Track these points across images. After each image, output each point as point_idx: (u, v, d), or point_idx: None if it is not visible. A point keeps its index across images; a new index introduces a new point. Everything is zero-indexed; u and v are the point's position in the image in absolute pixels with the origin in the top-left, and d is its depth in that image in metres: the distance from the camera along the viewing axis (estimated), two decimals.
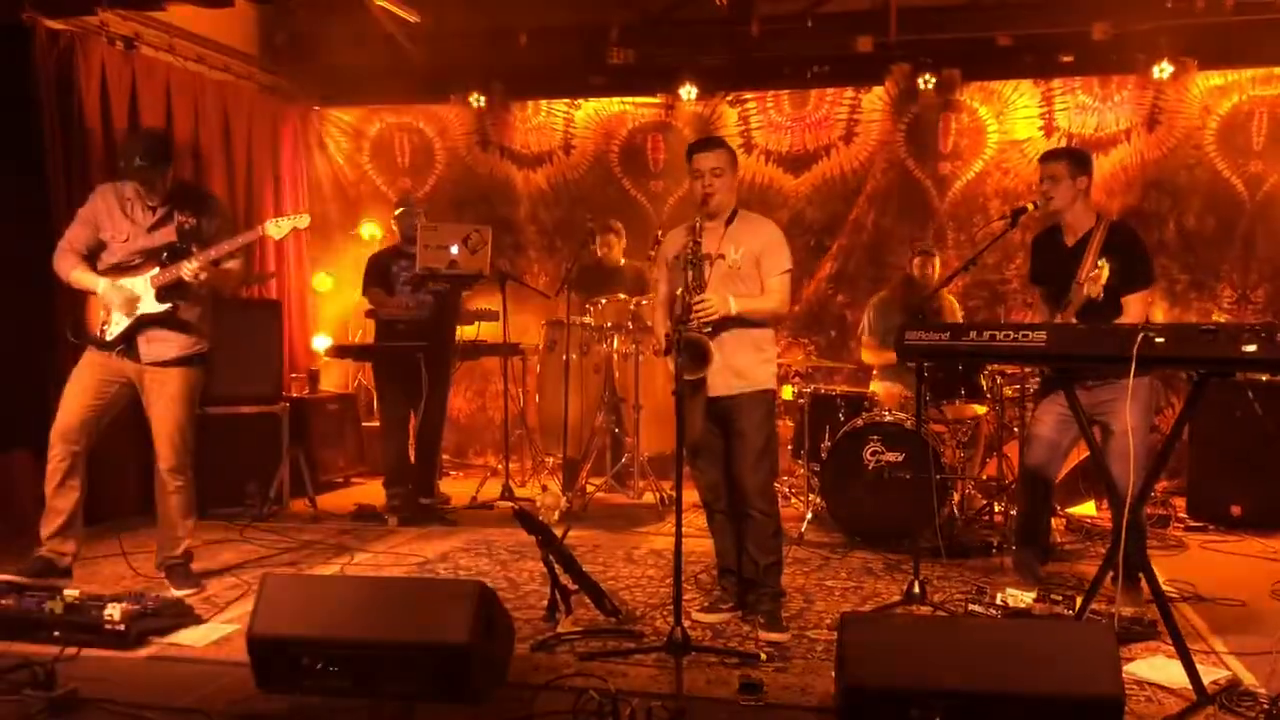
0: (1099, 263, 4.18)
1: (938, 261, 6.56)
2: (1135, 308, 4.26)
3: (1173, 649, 3.39)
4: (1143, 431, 4.26)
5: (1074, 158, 4.53)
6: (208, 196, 4.95)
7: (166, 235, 4.51)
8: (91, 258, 4.55)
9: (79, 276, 4.51)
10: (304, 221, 4.77)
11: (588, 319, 6.70)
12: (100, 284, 4.48)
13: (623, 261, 7.23)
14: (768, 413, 4.15)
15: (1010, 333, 3.51)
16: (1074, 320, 4.27)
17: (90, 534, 4.71)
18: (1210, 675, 3.41)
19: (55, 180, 5.68)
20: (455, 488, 7.03)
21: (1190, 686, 3.29)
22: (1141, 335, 3.17)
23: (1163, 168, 7.22)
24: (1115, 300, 4.25)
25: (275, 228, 4.66)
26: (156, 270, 4.47)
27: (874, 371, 6.57)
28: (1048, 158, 4.56)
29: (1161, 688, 3.45)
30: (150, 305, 4.48)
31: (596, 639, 3.93)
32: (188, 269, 4.40)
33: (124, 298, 4.46)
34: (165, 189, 4.52)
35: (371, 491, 6.85)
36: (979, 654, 2.91)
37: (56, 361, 5.39)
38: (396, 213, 6.74)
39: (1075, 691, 2.79)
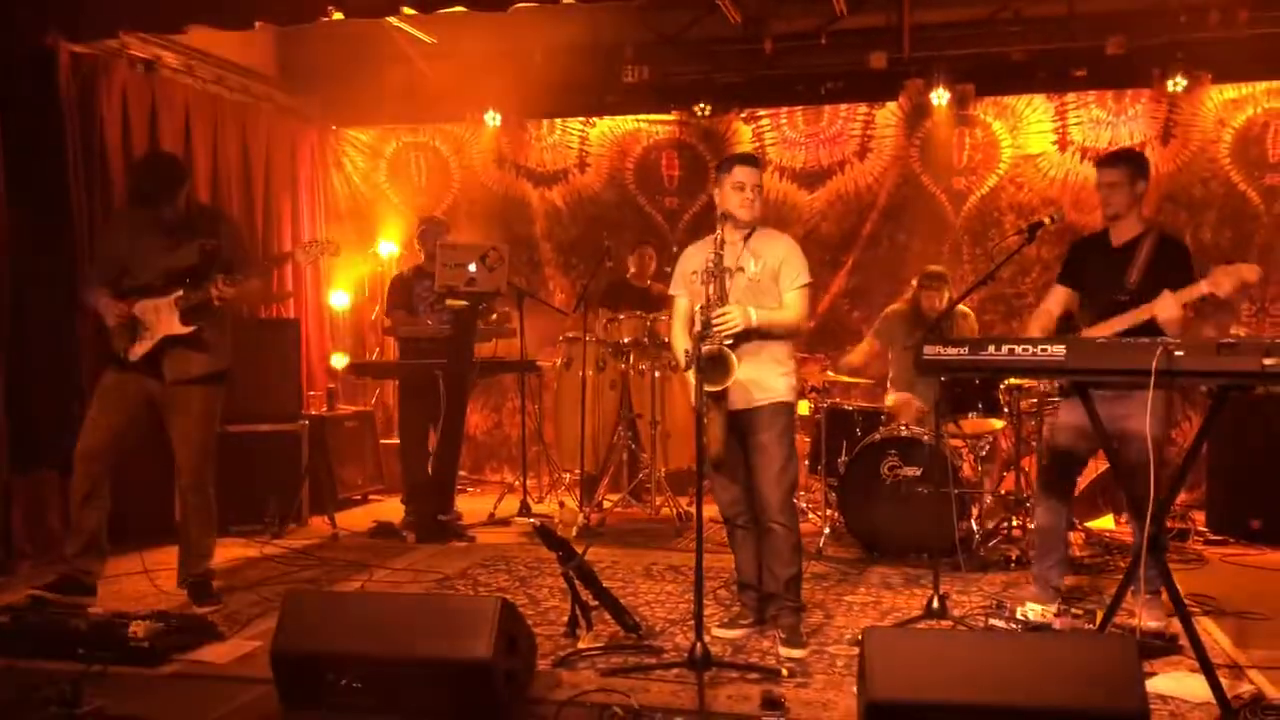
0: None
1: (947, 293, 6.25)
2: None
3: (1195, 663, 3.38)
4: (1160, 444, 4.23)
5: (1133, 162, 4.30)
6: (223, 217, 5.00)
7: (187, 257, 4.54)
8: (115, 282, 4.58)
9: (104, 304, 4.56)
10: (335, 252, 4.83)
11: (604, 335, 6.71)
12: (119, 308, 4.51)
13: (649, 282, 7.25)
14: (788, 425, 4.15)
15: (1029, 347, 3.49)
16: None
17: (112, 551, 4.74)
18: (1234, 689, 3.40)
19: (78, 200, 5.73)
20: (472, 504, 7.05)
21: (1214, 700, 3.27)
22: (1161, 349, 3.17)
23: (1177, 181, 7.22)
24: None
25: (304, 254, 4.73)
26: (180, 292, 4.50)
27: (889, 383, 6.54)
28: (1106, 163, 4.34)
29: (1185, 702, 3.44)
30: (174, 327, 4.51)
31: (618, 655, 3.93)
32: (213, 291, 4.44)
33: (147, 319, 4.51)
34: (182, 210, 4.56)
35: (389, 508, 6.87)
36: (1003, 669, 2.92)
37: (81, 381, 5.43)
38: (420, 231, 6.76)
39: (1099, 706, 2.79)
